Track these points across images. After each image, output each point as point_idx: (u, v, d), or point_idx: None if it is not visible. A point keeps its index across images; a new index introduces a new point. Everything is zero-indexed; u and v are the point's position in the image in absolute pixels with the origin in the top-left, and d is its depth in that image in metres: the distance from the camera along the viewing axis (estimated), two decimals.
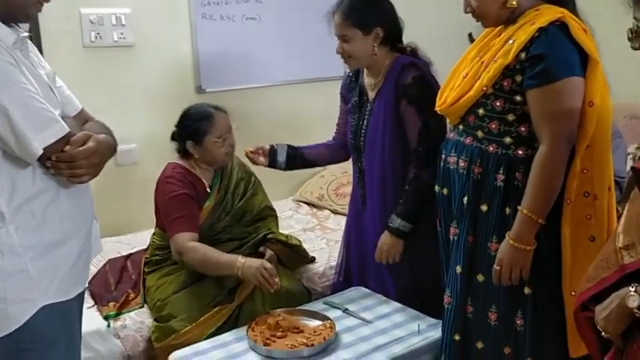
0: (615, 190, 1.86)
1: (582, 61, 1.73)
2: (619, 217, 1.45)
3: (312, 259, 2.81)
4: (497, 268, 1.82)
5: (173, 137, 2.53)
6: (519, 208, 1.77)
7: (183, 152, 2.50)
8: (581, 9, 1.85)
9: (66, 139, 1.51)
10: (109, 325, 2.34)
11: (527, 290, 1.86)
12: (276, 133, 3.60)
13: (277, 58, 3.70)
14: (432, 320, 2.21)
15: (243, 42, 3.58)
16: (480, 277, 1.92)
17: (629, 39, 2.01)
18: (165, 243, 2.47)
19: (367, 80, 2.41)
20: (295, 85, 3.80)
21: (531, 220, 1.76)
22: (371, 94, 2.39)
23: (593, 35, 1.78)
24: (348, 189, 2.84)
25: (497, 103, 1.82)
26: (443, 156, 2.01)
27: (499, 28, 1.89)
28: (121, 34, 3.20)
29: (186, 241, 2.31)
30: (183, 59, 3.44)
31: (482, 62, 1.85)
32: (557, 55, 1.71)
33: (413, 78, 2.26)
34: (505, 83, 1.79)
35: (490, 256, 1.87)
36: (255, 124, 3.56)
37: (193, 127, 2.44)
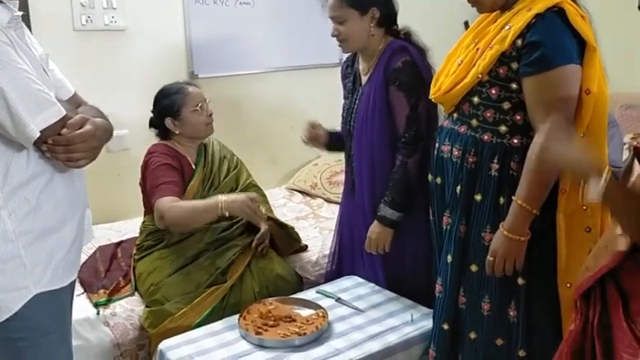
0: None
1: (580, 48, 1.70)
2: None
3: (305, 248, 2.80)
4: (491, 258, 1.80)
5: (151, 123, 2.56)
6: (513, 198, 1.75)
7: (164, 134, 2.53)
8: None
9: (63, 122, 1.46)
10: (98, 313, 2.32)
11: (520, 281, 1.84)
12: (270, 119, 3.57)
13: (271, 44, 3.66)
14: (426, 310, 2.20)
15: (236, 27, 3.54)
16: (474, 268, 1.91)
17: None
18: (157, 227, 2.45)
19: (361, 65, 2.39)
20: (289, 71, 3.77)
21: (525, 211, 1.73)
22: (363, 79, 2.36)
23: (592, 21, 1.75)
24: (342, 177, 2.82)
25: (493, 91, 1.79)
26: (436, 144, 1.98)
27: (495, 14, 1.86)
28: (112, 17, 3.16)
29: (167, 203, 2.30)
30: (176, 44, 3.40)
31: (478, 49, 1.82)
32: (554, 42, 1.68)
33: (402, 62, 2.23)
34: (501, 71, 1.76)
35: (484, 247, 1.85)
36: (248, 110, 3.53)
37: (169, 102, 2.47)
